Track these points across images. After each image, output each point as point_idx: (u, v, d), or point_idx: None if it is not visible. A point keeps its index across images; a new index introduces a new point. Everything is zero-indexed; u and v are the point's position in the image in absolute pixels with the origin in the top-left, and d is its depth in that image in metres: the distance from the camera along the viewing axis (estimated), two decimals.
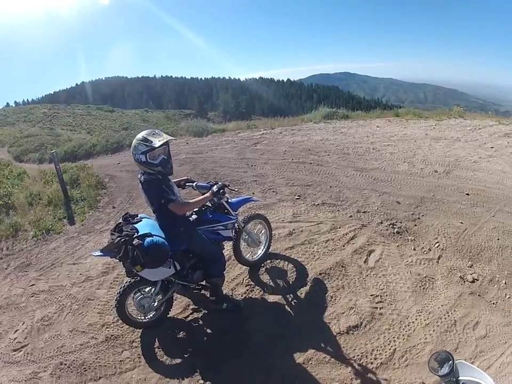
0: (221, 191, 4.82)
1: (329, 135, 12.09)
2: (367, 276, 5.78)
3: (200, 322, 5.06)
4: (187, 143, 11.67)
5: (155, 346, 4.75)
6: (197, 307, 5.23)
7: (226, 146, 11.01)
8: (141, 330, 4.94)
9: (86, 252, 6.84)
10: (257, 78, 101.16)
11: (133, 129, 37.28)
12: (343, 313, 5.15)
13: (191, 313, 5.17)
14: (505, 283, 6.03)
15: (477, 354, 4.74)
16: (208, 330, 4.97)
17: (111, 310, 4.95)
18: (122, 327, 4.97)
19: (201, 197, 4.70)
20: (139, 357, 4.62)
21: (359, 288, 5.53)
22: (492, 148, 11.84)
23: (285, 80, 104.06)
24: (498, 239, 6.95)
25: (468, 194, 8.37)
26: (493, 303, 5.63)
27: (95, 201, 8.29)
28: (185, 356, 4.62)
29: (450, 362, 2.17)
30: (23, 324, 5.47)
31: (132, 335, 4.90)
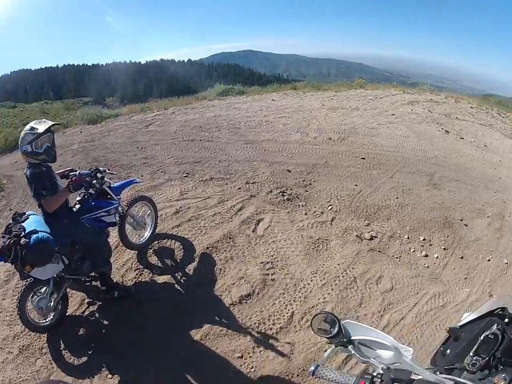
0: (100, 173, 4.78)
1: (222, 111, 12.28)
2: (256, 244, 5.94)
3: (97, 315, 4.93)
4: (81, 132, 11.15)
5: (61, 348, 4.57)
6: (91, 300, 5.10)
7: (119, 131, 10.66)
8: (47, 334, 4.72)
9: None
10: (157, 60, 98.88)
11: None
12: (234, 283, 5.26)
13: (87, 307, 5.03)
14: (408, 237, 6.55)
15: (385, 307, 5.10)
16: (106, 322, 4.86)
17: (18, 319, 4.55)
18: (29, 335, 4.73)
19: (61, 191, 4.53)
20: (51, 363, 4.42)
21: (248, 257, 5.69)
22: (393, 115, 12.68)
23: (185, 61, 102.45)
24: (397, 197, 7.54)
25: (363, 158, 8.94)
26: (397, 257, 6.07)
27: None
28: (89, 352, 4.49)
29: (336, 323, 2.11)
30: None
31: (40, 341, 4.67)
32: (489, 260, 6.26)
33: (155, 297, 5.07)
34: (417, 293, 5.39)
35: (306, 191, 7.36)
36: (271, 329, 4.64)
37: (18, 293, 4.48)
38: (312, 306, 4.95)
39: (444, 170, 9.02)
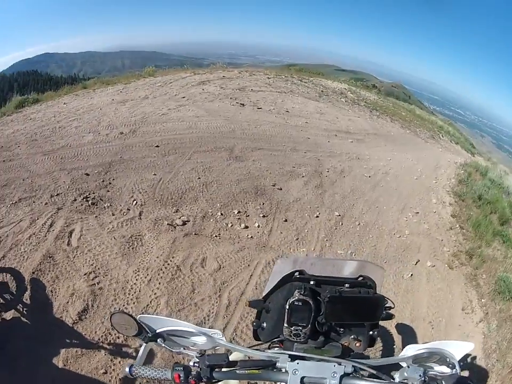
0: None
1: (20, 125, 11.40)
2: (75, 257, 5.89)
3: None
4: None
5: None
6: None
7: None
8: None
9: None
10: None
11: None
12: (68, 302, 5.16)
13: None
14: (222, 214, 6.87)
15: (220, 287, 5.32)
16: None
17: None
18: None
19: None
20: None
21: (71, 272, 5.64)
22: (184, 97, 13.02)
23: None
24: (199, 178, 7.87)
25: (157, 146, 9.21)
26: (216, 236, 6.34)
27: None
28: None
29: (132, 319, 1.99)
30: None
31: None
32: (317, 216, 6.91)
33: (10, 334, 4.72)
34: (249, 265, 5.72)
35: (108, 191, 7.39)
36: (118, 338, 4.69)
37: None
38: (147, 305, 5.08)
39: (244, 142, 9.69)
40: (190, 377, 1.83)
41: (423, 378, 1.63)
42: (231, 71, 17.55)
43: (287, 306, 1.91)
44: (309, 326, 1.92)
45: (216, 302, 5.09)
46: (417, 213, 8.32)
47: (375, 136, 13.92)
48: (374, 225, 7.48)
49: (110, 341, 4.67)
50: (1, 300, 5.22)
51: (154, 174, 7.84)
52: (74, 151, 9.03)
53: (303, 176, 8.16)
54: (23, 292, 5.31)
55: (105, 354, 4.52)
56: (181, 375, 1.83)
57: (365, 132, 14.02)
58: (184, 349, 2.05)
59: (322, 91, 19.33)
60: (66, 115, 11.76)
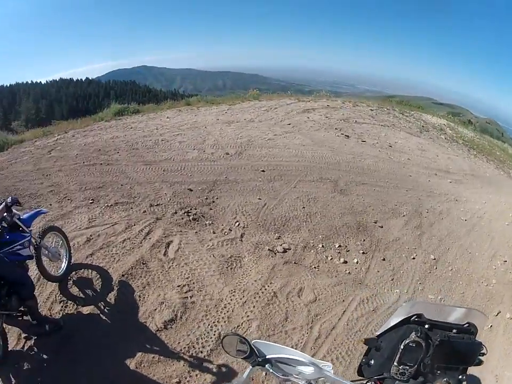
0: (10, 205, 4.52)
1: (119, 132, 11.93)
2: (170, 267, 5.87)
3: (35, 349, 4.64)
4: None
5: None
6: (26, 335, 4.78)
7: (24, 158, 10.06)
8: None
9: None
10: (57, 80, 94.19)
11: None
12: (155, 309, 5.15)
13: (25, 342, 4.73)
14: (323, 246, 6.70)
15: (313, 319, 5.20)
16: (44, 356, 4.57)
17: None
18: None
19: None
20: None
21: (164, 282, 5.61)
22: (289, 124, 12.98)
23: (83, 79, 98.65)
24: (303, 207, 7.72)
25: (263, 171, 9.10)
26: (315, 267, 6.19)
27: None
28: None
29: (245, 343, 2.10)
30: None
31: None
32: (414, 258, 6.61)
33: (84, 328, 4.85)
34: (344, 301, 5.54)
35: (211, 209, 7.40)
36: (201, 352, 4.64)
37: None
38: (238, 326, 4.99)
39: (349, 175, 9.42)
40: None
41: None
42: (335, 101, 17.27)
43: (402, 346, 2.10)
44: (415, 366, 2.09)
45: (307, 333, 4.98)
46: (505, 261, 7.78)
47: (472, 177, 13.04)
48: (464, 272, 7.10)
49: (192, 353, 4.59)
50: (81, 295, 5.31)
51: (259, 198, 7.80)
52: (177, 166, 9.18)
53: (403, 216, 7.79)
54: (109, 291, 5.35)
55: (183, 365, 4.45)
56: None
57: (463, 172, 13.23)
58: (289, 376, 2.07)
59: (423, 126, 18.76)
60: (169, 129, 12.11)
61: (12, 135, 14.62)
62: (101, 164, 9.25)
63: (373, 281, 6.07)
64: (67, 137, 11.68)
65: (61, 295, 5.32)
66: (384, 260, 6.61)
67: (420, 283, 6.23)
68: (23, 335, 4.80)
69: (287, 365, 2.10)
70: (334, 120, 13.96)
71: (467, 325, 2.14)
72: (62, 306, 5.17)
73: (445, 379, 2.08)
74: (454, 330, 2.12)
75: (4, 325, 4.57)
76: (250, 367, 2.13)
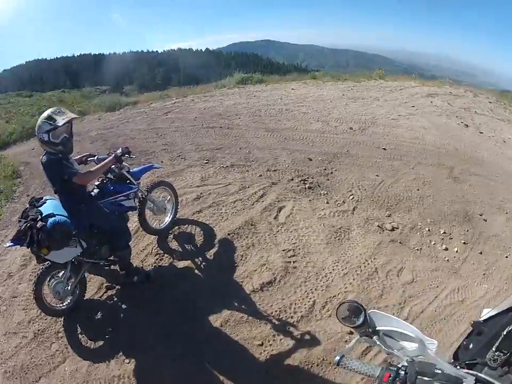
0: (123, 156, 4.76)
1: (242, 99, 12.26)
2: (278, 231, 5.95)
3: (115, 299, 4.97)
4: (99, 119, 11.15)
5: (78, 332, 4.62)
6: (110, 284, 5.13)
7: (137, 118, 10.67)
8: (63, 318, 4.76)
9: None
10: (175, 50, 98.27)
11: None
12: (255, 270, 5.27)
13: (105, 292, 5.06)
14: (429, 230, 6.49)
15: (406, 299, 5.09)
16: (124, 306, 4.90)
17: (33, 304, 4.59)
18: (46, 319, 4.76)
19: (103, 162, 4.63)
20: (66, 347, 4.48)
21: (270, 245, 5.70)
22: (413, 106, 12.54)
23: (203, 50, 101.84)
24: (418, 189, 7.49)
25: (384, 149, 8.91)
26: (417, 249, 6.03)
27: (11, 192, 7.63)
28: (107, 337, 4.55)
29: (362, 312, 2.07)
30: None
31: (56, 325, 4.71)
32: (507, 257, 6.19)
33: (175, 282, 5.08)
34: (437, 286, 5.35)
35: (328, 179, 7.36)
36: (292, 318, 4.64)
37: (35, 276, 4.50)
38: (334, 296, 4.94)
39: (464, 164, 8.94)
40: (398, 379, 1.92)
41: None
42: (457, 88, 16.34)
43: (504, 333, 2.14)
44: (508, 354, 2.08)
45: (397, 313, 4.82)
46: None
47: None
48: None
49: (281, 318, 4.62)
50: (180, 249, 5.52)
51: (377, 175, 7.65)
52: (299, 135, 9.22)
53: (506, 213, 7.21)
54: (210, 248, 5.52)
55: (270, 328, 4.49)
56: (391, 375, 1.92)
57: None
58: (394, 350, 2.08)
59: None
60: (294, 100, 12.13)
61: (124, 97, 15.39)
62: (221, 127, 9.55)
63: (466, 273, 5.78)
64: (186, 101, 12.14)
65: (157, 248, 5.59)
66: (481, 253, 6.23)
67: (506, 283, 5.79)
68: (105, 284, 5.08)
69: (392, 339, 2.09)
70: (455, 108, 13.19)
71: None
72: (156, 259, 5.45)
73: None
74: None
75: (86, 274, 4.86)
76: (358, 336, 2.15)
